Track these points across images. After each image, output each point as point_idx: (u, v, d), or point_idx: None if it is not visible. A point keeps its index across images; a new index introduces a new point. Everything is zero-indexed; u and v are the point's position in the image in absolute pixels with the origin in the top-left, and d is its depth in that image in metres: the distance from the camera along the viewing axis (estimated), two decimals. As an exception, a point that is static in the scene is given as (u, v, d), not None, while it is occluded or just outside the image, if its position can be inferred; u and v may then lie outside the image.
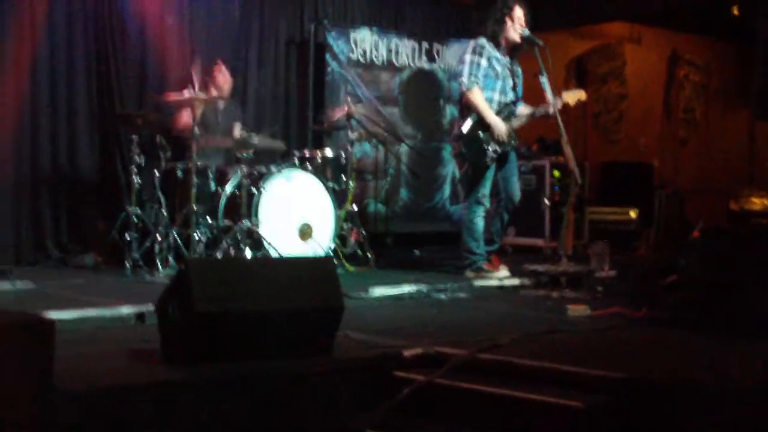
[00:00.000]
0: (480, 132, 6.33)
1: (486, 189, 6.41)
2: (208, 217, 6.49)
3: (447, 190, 9.37)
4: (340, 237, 6.96)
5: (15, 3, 6.86)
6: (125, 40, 7.42)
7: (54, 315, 4.01)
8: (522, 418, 3.25)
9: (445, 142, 9.21)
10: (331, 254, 6.61)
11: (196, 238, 6.27)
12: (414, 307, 5.35)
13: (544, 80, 6.20)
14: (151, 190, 6.59)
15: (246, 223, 6.24)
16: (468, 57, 6.35)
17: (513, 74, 6.51)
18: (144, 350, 3.68)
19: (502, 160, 6.45)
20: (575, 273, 5.88)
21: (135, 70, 7.49)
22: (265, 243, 6.17)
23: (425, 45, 9.24)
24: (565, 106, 6.37)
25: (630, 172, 10.99)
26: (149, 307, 4.25)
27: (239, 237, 6.22)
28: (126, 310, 4.58)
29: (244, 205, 6.30)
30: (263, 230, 6.24)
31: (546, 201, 8.24)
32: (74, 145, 7.22)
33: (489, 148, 6.33)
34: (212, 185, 6.59)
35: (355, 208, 7.16)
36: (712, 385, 3.23)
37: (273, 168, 6.57)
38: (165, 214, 6.40)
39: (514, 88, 6.51)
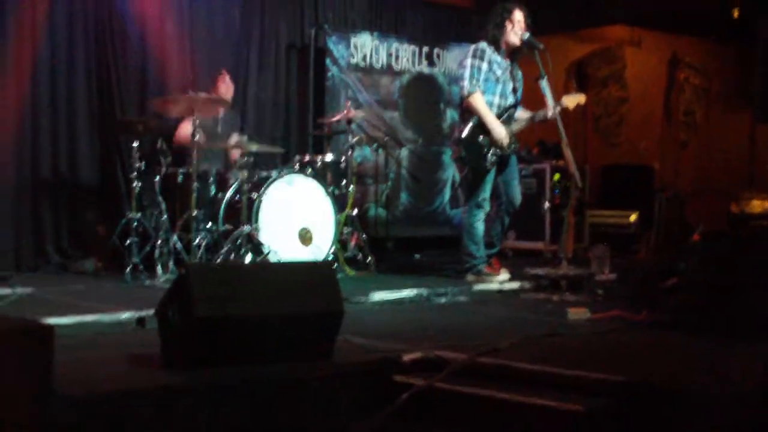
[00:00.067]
0: (480, 136, 6.33)
1: (486, 193, 6.41)
2: (208, 222, 6.50)
3: (447, 194, 9.38)
4: (341, 241, 6.96)
5: (16, 5, 6.87)
6: (126, 45, 7.43)
7: (54, 320, 4.02)
8: (522, 422, 3.24)
9: (445, 146, 9.22)
10: (332, 258, 6.61)
11: (197, 242, 6.27)
12: (414, 312, 5.34)
13: (544, 84, 6.21)
14: (151, 195, 6.59)
15: (246, 227, 6.24)
16: (469, 61, 6.35)
17: (514, 78, 6.51)
18: (144, 355, 3.68)
19: (502, 163, 6.45)
20: (575, 276, 5.87)
21: (135, 75, 7.51)
22: (265, 248, 6.17)
23: (425, 49, 9.26)
24: (565, 109, 6.37)
25: (630, 175, 10.98)
26: (149, 312, 4.25)
27: (239, 242, 6.22)
28: (126, 315, 4.58)
29: (245, 210, 6.30)
30: (264, 235, 6.24)
31: (546, 204, 8.23)
32: (75, 150, 7.23)
33: (489, 152, 6.33)
34: (213, 190, 6.59)
35: (356, 213, 7.17)
36: (713, 388, 3.23)
37: (273, 172, 6.57)
38: (165, 219, 6.40)
39: (514, 92, 6.51)
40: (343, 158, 7.09)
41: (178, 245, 6.29)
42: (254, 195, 6.34)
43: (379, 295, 5.61)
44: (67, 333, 4.05)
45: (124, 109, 7.39)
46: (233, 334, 3.46)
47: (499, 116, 6.37)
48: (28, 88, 6.97)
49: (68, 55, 7.16)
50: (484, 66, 6.34)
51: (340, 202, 6.91)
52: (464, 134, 6.37)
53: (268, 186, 6.38)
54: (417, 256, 8.45)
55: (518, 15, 6.38)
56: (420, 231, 9.11)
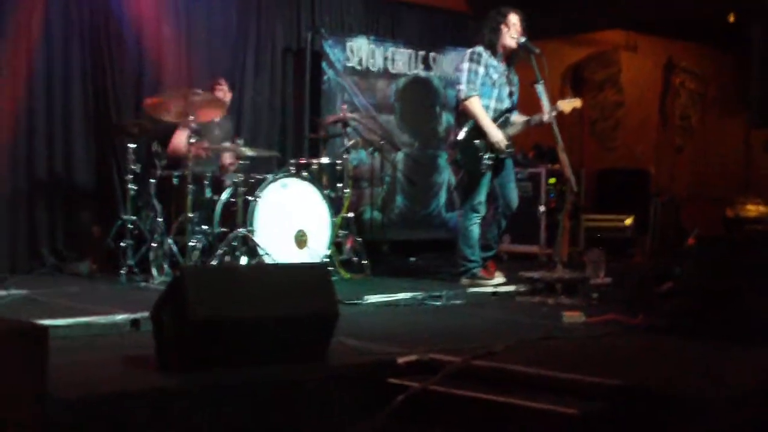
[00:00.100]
0: (476, 139, 6.33)
1: (482, 196, 6.42)
2: (203, 225, 6.49)
3: (443, 198, 9.38)
4: (336, 244, 6.95)
5: (12, 9, 6.86)
6: (121, 49, 7.43)
7: (49, 322, 4.00)
8: (517, 425, 3.24)
9: (441, 150, 9.23)
10: (327, 261, 6.61)
11: (192, 245, 6.26)
12: (409, 314, 5.34)
13: (540, 88, 6.22)
14: (146, 197, 6.59)
15: (242, 230, 6.24)
16: (465, 65, 6.36)
17: (510, 82, 6.52)
18: (139, 357, 3.67)
19: (498, 167, 6.46)
20: (571, 280, 5.87)
21: (131, 78, 7.50)
22: (260, 250, 6.16)
23: (421, 53, 9.26)
24: (561, 113, 6.38)
25: (626, 180, 11.00)
26: (144, 314, 4.24)
27: (235, 244, 6.22)
28: (121, 317, 4.56)
29: (240, 213, 6.29)
30: (259, 238, 6.24)
31: (542, 208, 8.24)
32: (70, 153, 7.23)
33: (485, 155, 6.34)
34: (208, 193, 6.59)
35: (351, 216, 7.16)
36: (708, 391, 3.23)
37: (269, 175, 6.57)
38: (160, 221, 6.40)
39: (510, 96, 6.52)
40: (339, 161, 7.09)
41: (174, 248, 6.28)
42: (250, 198, 6.33)
43: (375, 298, 5.61)
44: (61, 335, 4.06)
45: (119, 112, 7.39)
46: (228, 336, 3.46)
47: (495, 120, 6.38)
48: (24, 91, 6.96)
49: (64, 58, 7.16)
50: (481, 70, 6.34)
51: (335, 205, 6.91)
52: (460, 137, 6.38)
53: (263, 189, 6.37)
54: (412, 259, 8.45)
55: (514, 18, 6.39)
56: (415, 234, 9.11)
